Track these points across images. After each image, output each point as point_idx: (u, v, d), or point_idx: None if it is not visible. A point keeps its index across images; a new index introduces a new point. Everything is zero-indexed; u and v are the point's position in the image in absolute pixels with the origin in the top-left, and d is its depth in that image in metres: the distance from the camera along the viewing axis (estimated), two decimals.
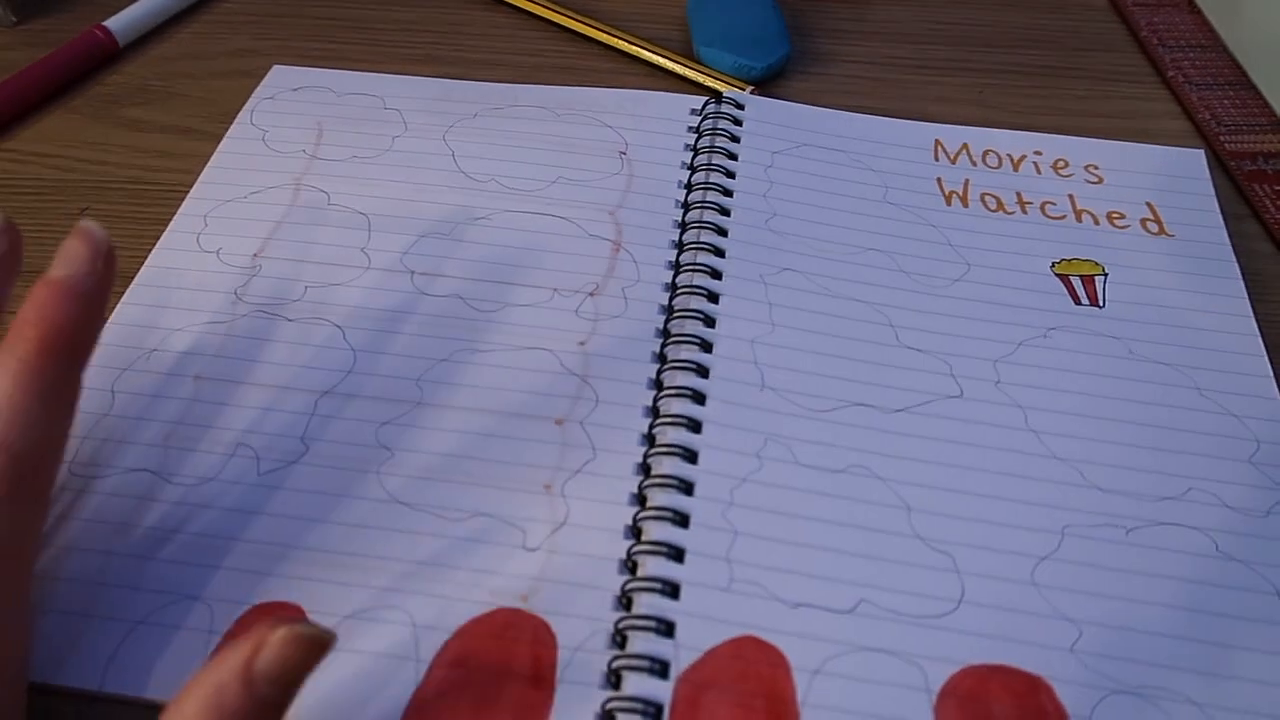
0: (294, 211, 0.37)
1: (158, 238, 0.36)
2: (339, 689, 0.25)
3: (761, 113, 0.41)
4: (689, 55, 0.44)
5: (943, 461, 0.30)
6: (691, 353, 0.32)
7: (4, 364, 0.23)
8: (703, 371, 0.32)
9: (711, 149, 0.39)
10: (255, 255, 0.35)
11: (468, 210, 0.37)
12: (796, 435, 0.30)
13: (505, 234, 0.36)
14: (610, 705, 0.25)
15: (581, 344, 0.33)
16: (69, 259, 0.25)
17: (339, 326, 0.33)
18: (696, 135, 0.40)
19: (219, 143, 0.40)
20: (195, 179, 0.38)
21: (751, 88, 0.42)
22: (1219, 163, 0.41)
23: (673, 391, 0.31)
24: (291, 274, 0.35)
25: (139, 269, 0.35)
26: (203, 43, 0.45)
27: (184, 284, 0.34)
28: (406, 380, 0.32)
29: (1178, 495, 0.29)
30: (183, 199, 0.37)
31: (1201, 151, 0.40)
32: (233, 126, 0.40)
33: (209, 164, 0.39)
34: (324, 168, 0.39)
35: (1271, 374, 0.33)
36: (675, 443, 0.30)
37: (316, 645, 0.20)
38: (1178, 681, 0.26)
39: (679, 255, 0.35)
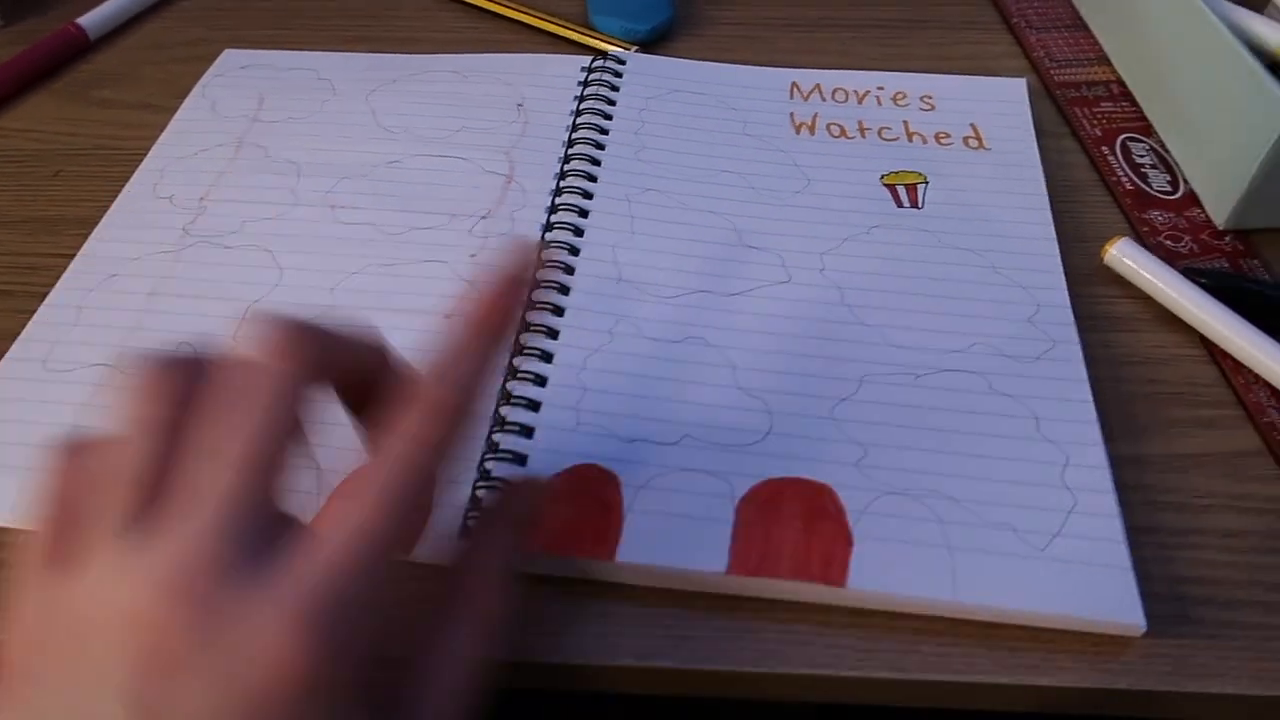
0: (236, 163, 0.43)
1: (120, 191, 0.42)
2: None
3: (640, 67, 0.46)
4: (586, 24, 0.50)
5: (767, 331, 0.35)
6: (560, 255, 0.38)
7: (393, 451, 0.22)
8: (569, 270, 0.37)
9: (596, 97, 0.45)
10: (202, 198, 0.41)
11: (383, 156, 0.43)
12: (644, 315, 0.36)
13: (414, 173, 0.42)
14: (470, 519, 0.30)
15: (472, 256, 0.39)
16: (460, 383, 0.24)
17: (269, 251, 0.39)
18: (583, 87, 0.46)
19: (174, 114, 0.46)
20: (153, 144, 0.44)
21: (636, 48, 0.48)
22: (1048, 93, 0.47)
23: (542, 286, 0.37)
24: (232, 212, 0.41)
25: (105, 213, 0.41)
26: (164, 34, 0.52)
27: (140, 223, 0.41)
28: (323, 290, 0.38)
29: (963, 349, 0.35)
30: (142, 160, 0.44)
31: (1024, 80, 0.46)
32: (187, 99, 0.47)
33: (166, 130, 0.45)
34: (263, 129, 0.45)
35: (1059, 255, 0.38)
36: (540, 323, 0.35)
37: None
38: (941, 484, 0.31)
39: (559, 184, 0.41)
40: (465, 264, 0.38)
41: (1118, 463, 0.32)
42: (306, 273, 0.38)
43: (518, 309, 0.26)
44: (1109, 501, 0.30)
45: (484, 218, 0.40)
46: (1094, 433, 0.32)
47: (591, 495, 0.31)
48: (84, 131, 0.46)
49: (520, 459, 0.32)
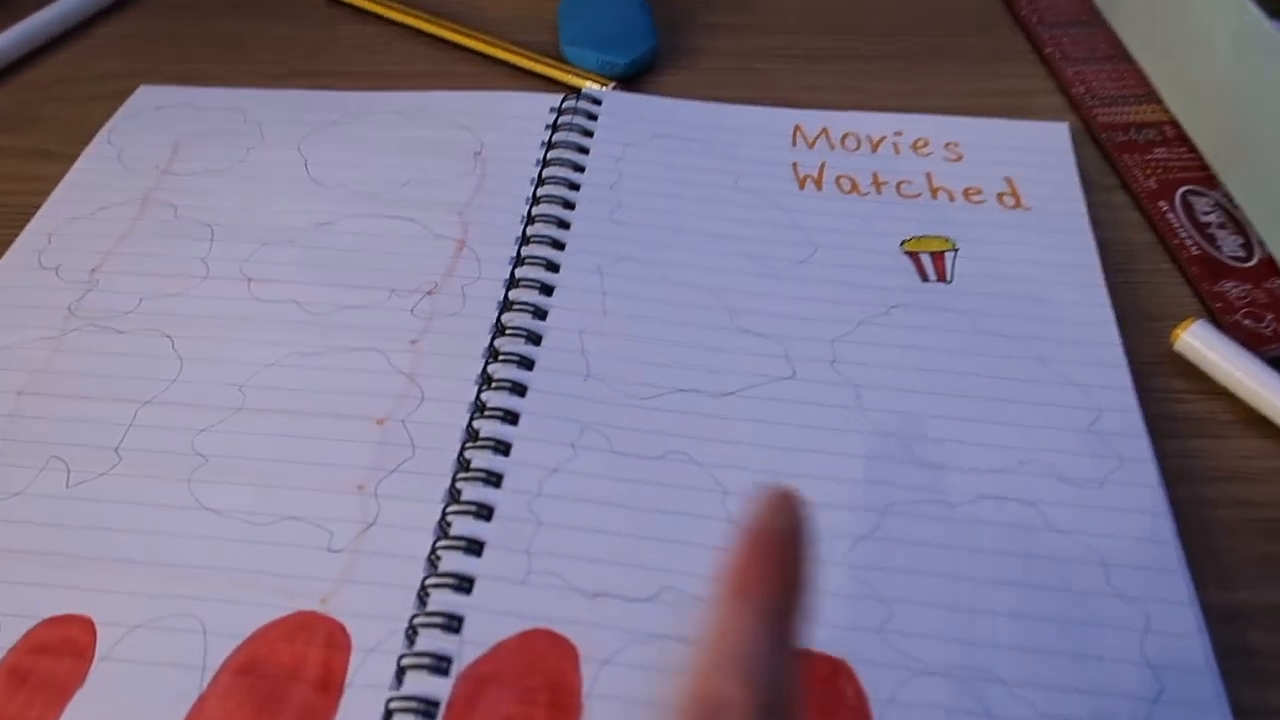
0: (139, 225, 0.36)
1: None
2: (118, 700, 0.24)
3: (617, 107, 0.40)
4: (558, 56, 0.43)
5: (765, 444, 0.29)
6: (518, 345, 0.31)
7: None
8: (527, 364, 0.31)
9: (565, 145, 0.38)
10: (94, 270, 0.35)
11: (312, 216, 0.36)
12: (615, 423, 0.29)
13: (348, 238, 0.35)
14: (391, 704, 0.24)
15: (414, 343, 0.32)
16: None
17: (168, 336, 0.32)
18: (552, 129, 0.39)
19: (75, 162, 0.39)
20: (46, 200, 0.38)
21: (614, 84, 0.41)
22: (1091, 136, 0.40)
23: (495, 385, 0.30)
24: (128, 287, 0.34)
25: None
26: (72, 67, 0.45)
27: (18, 301, 0.34)
28: (230, 387, 0.31)
29: (1009, 468, 0.28)
30: (30, 220, 0.37)
31: (1066, 124, 0.39)
32: (89, 146, 0.40)
33: (61, 183, 0.38)
34: (174, 182, 0.38)
35: (1120, 342, 0.31)
36: (490, 436, 0.29)
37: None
38: (989, 661, 0.24)
39: (520, 250, 0.34)
40: (403, 353, 0.32)
41: (1210, 616, 0.25)
42: (211, 364, 0.31)
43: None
44: (1207, 685, 0.24)
45: (429, 293, 0.33)
46: (1180, 585, 0.26)
47: (540, 674, 0.24)
48: None
49: (453, 623, 0.25)
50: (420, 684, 0.24)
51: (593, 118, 0.39)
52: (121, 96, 0.42)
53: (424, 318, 0.33)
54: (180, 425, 0.30)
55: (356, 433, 0.30)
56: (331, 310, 0.33)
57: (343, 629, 0.25)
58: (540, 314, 0.32)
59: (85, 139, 0.40)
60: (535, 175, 0.37)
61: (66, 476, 0.29)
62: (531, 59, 0.43)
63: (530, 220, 0.35)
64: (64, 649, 0.25)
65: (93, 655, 0.25)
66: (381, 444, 0.29)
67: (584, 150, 0.38)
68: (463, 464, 0.28)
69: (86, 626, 0.26)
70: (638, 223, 0.35)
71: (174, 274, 0.34)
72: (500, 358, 0.31)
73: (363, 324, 0.33)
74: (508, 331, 0.32)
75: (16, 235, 0.36)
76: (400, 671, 0.24)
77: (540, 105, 0.40)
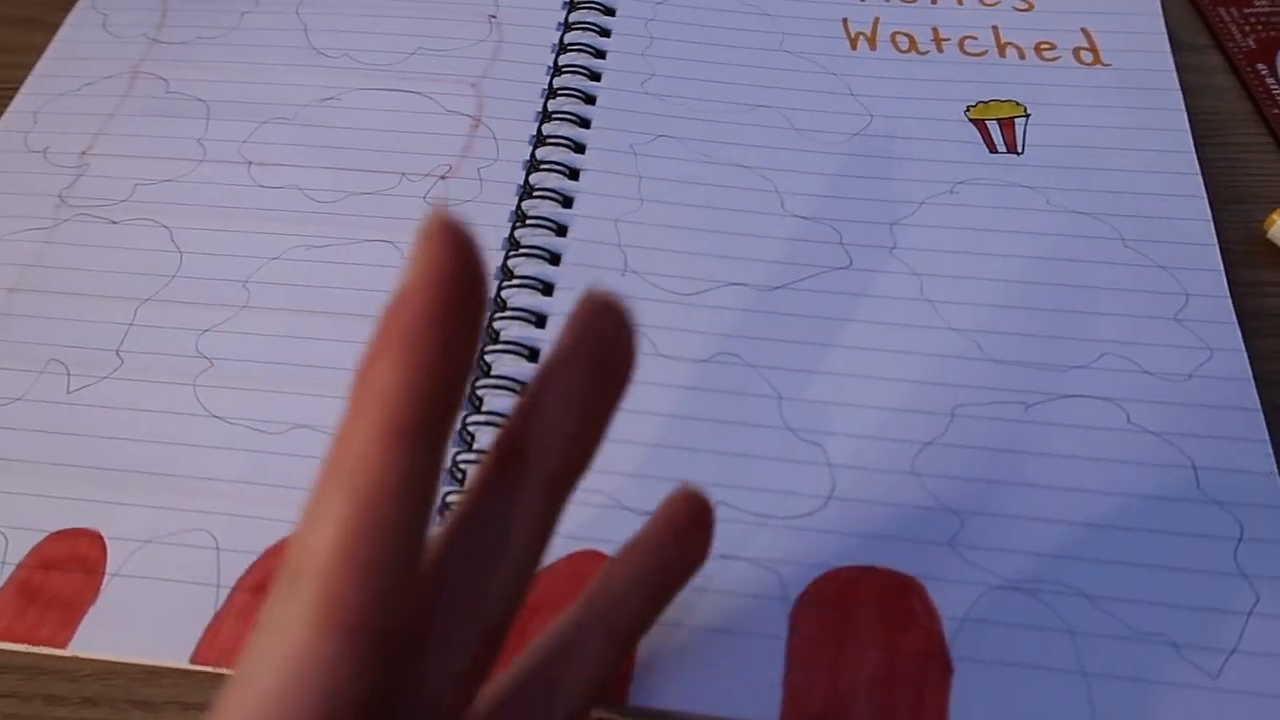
0: (129, 102, 0.32)
1: None
2: (131, 618, 0.22)
3: None
4: None
5: (822, 342, 0.25)
6: (544, 238, 0.27)
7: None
8: (553, 258, 0.27)
9: (589, 5, 0.33)
10: (83, 153, 0.31)
11: (315, 91, 0.32)
12: (658, 323, 0.26)
13: (354, 115, 0.31)
14: None
15: None
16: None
17: (166, 227, 0.29)
18: None
19: (57, 31, 0.35)
20: (28, 74, 0.34)
21: None
22: None
23: (519, 282, 0.27)
24: (120, 171, 0.30)
25: None
26: None
27: (6, 188, 0.30)
28: (233, 283, 0.28)
29: (1087, 363, 0.25)
30: (13, 97, 0.33)
31: None
32: (72, 13, 0.35)
33: (44, 55, 0.34)
34: (164, 52, 0.34)
35: (1210, 219, 0.27)
36: (518, 340, 0.26)
37: None
38: (1067, 572, 0.21)
39: (541, 128, 0.30)
40: None
41: None
42: (212, 259, 0.28)
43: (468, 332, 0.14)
44: None
45: (443, 177, 0.30)
46: (1275, 489, 0.23)
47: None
48: None
49: None
50: None
51: None
52: None
53: (437, 204, 0.29)
54: (183, 325, 0.27)
55: (368, 332, 0.26)
56: (338, 197, 0.29)
57: None
58: (566, 202, 0.28)
59: (67, 4, 0.36)
60: (557, 41, 0.33)
61: (67, 381, 0.26)
62: None
63: (552, 93, 0.31)
64: (73, 564, 0.23)
65: (103, 571, 0.23)
66: None
67: (610, 11, 0.33)
68: (483, 369, 0.25)
69: (96, 541, 0.23)
70: (673, 94, 0.31)
71: (168, 156, 0.30)
72: (522, 250, 0.27)
73: (372, 212, 0.29)
74: (529, 221, 0.28)
75: (0, 114, 0.32)
76: None
77: None
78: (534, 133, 0.30)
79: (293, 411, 0.25)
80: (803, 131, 0.30)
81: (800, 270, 0.27)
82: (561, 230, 0.28)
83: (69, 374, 0.26)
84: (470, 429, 0.24)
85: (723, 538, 0.22)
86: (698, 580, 0.21)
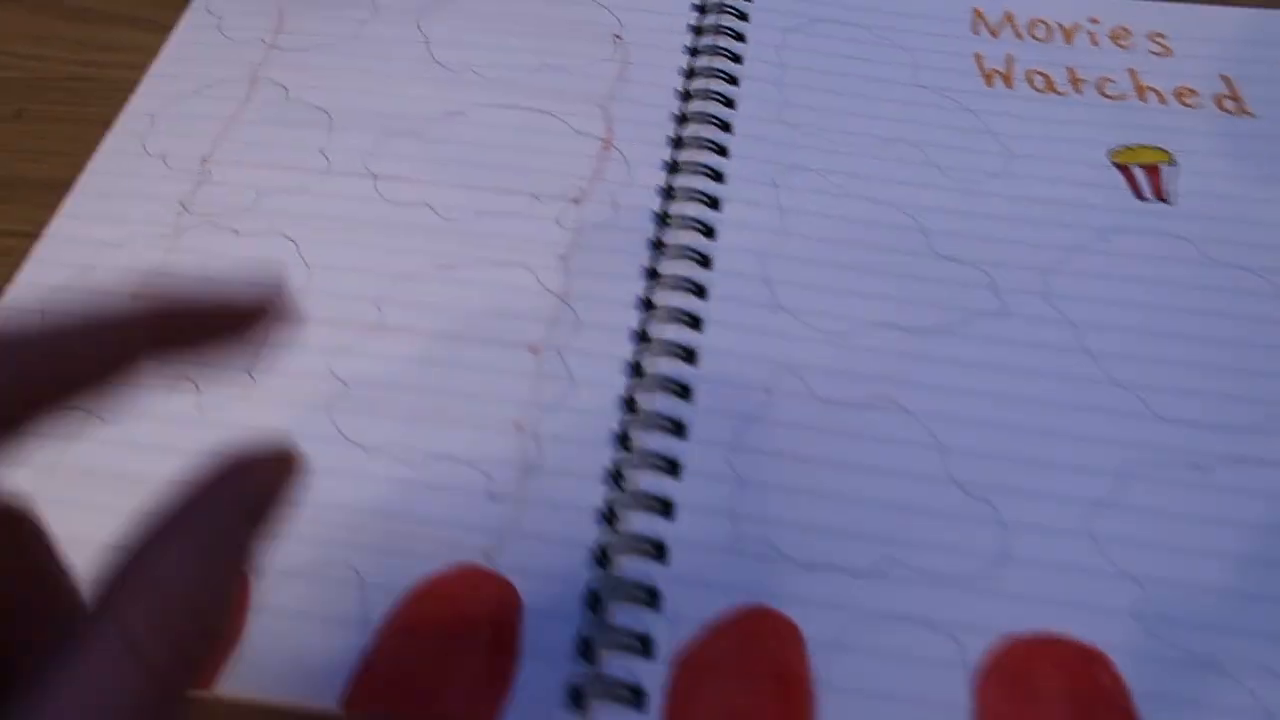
0: (249, 108, 0.31)
1: (99, 141, 0.31)
2: (277, 655, 0.21)
3: None
4: None
5: (982, 391, 0.24)
6: (689, 269, 0.26)
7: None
8: (700, 291, 0.26)
9: (717, 29, 0.32)
10: (205, 160, 0.30)
11: (440, 104, 0.31)
12: (812, 363, 0.24)
13: (481, 131, 0.30)
14: (586, 685, 0.20)
15: (562, 258, 0.27)
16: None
17: (292, 239, 0.28)
18: (700, 11, 0.33)
19: (170, 33, 0.34)
20: (143, 74, 0.32)
21: None
22: None
23: (665, 314, 0.25)
24: (243, 180, 0.29)
25: (77, 176, 0.30)
26: None
27: (126, 190, 0.29)
28: (364, 301, 0.26)
29: (1261, 425, 0.23)
30: (128, 97, 0.32)
31: None
32: (185, 14, 0.34)
33: (159, 56, 0.33)
34: (283, 58, 0.32)
35: None
36: (667, 374, 0.24)
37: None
38: (1261, 651, 0.20)
39: (676, 153, 0.29)
40: (552, 270, 0.27)
41: None
42: (341, 273, 0.27)
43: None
44: None
45: (575, 200, 0.28)
46: None
47: (763, 660, 0.20)
48: (53, 54, 0.34)
49: (650, 596, 0.21)
50: (621, 666, 0.20)
51: None
52: None
53: (571, 229, 0.28)
54: (315, 345, 0.26)
55: (510, 361, 0.25)
56: (469, 216, 0.28)
57: (512, 589, 0.22)
58: (708, 231, 0.27)
59: (179, 3, 0.35)
60: (683, 64, 0.32)
61: (197, 399, 0.25)
62: None
63: (683, 119, 0.30)
64: None
65: (248, 604, 0.22)
66: (537, 375, 0.25)
67: (738, 36, 0.32)
68: (629, 406, 0.24)
69: None
70: (810, 124, 0.30)
71: (291, 166, 0.29)
72: (664, 281, 0.26)
73: (505, 233, 0.28)
74: (670, 251, 0.27)
75: (110, 113, 0.31)
76: (586, 647, 0.21)
77: None
78: (667, 158, 0.29)
79: (433, 441, 0.24)
80: (944, 169, 0.29)
81: (952, 313, 0.26)
82: (704, 261, 0.26)
83: (199, 391, 0.25)
84: (621, 469, 0.23)
85: (892, 595, 0.21)
86: (878, 636, 0.20)
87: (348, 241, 0.28)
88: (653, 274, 0.27)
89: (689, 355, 0.25)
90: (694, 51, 0.32)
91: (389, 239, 0.28)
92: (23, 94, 0.32)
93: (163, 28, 0.34)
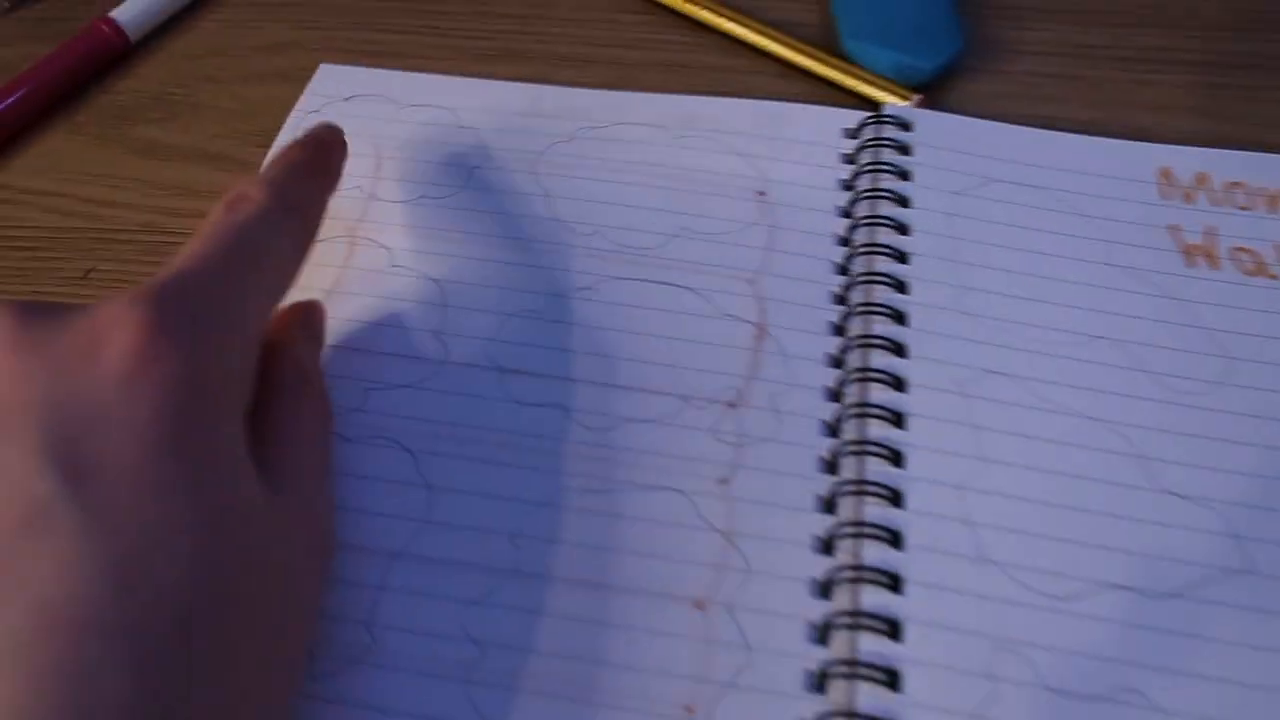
0: (348, 275, 0.27)
1: None
2: None
3: (935, 134, 0.30)
4: (832, 49, 0.33)
5: (1246, 682, 0.20)
6: (878, 508, 0.22)
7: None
8: (889, 537, 0.22)
9: (875, 193, 0.28)
10: None
11: (568, 278, 0.27)
12: (1033, 638, 0.21)
13: (616, 313, 0.26)
14: None
15: (723, 483, 0.23)
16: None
17: (409, 450, 0.24)
18: (854, 169, 0.29)
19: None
20: None
21: (918, 96, 0.31)
22: None
23: (852, 572, 0.22)
24: (347, 369, 0.25)
25: None
26: (231, 35, 0.35)
27: None
28: (498, 536, 0.23)
29: None
30: None
31: None
32: (274, 150, 0.31)
33: None
34: (385, 212, 0.29)
35: None
36: (868, 658, 0.20)
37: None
38: None
39: (844, 351, 0.25)
40: (712, 497, 0.23)
41: None
42: (470, 500, 0.23)
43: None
44: None
45: (731, 405, 0.25)
46: None
47: None
48: (122, 199, 0.30)
49: None
50: None
51: (902, 149, 0.29)
52: (292, 77, 0.33)
53: (730, 443, 0.24)
54: (441, 592, 0.22)
55: (668, 621, 0.21)
56: (609, 424, 0.24)
57: None
58: (895, 457, 0.23)
59: (259, 137, 0.31)
60: (838, 230, 0.28)
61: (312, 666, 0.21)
62: (807, 54, 0.32)
63: (848, 306, 0.26)
64: None
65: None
66: (706, 641, 0.21)
67: (901, 201, 0.28)
68: (820, 685, 0.20)
69: None
70: (994, 316, 0.26)
71: (403, 353, 0.26)
72: (848, 524, 0.22)
73: (652, 448, 0.24)
74: (853, 484, 0.23)
75: None
76: None
77: (829, 125, 0.30)
78: (831, 351, 0.25)
79: None
80: (1155, 375, 0.25)
81: (1187, 570, 0.22)
82: (895, 498, 0.23)
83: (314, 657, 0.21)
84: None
85: None
86: None
87: (474, 457, 0.24)
88: (828, 506, 0.23)
89: (894, 630, 0.21)
90: (851, 217, 0.28)
91: (524, 456, 0.24)
92: (91, 250, 0.29)
93: (244, 166, 0.30)
